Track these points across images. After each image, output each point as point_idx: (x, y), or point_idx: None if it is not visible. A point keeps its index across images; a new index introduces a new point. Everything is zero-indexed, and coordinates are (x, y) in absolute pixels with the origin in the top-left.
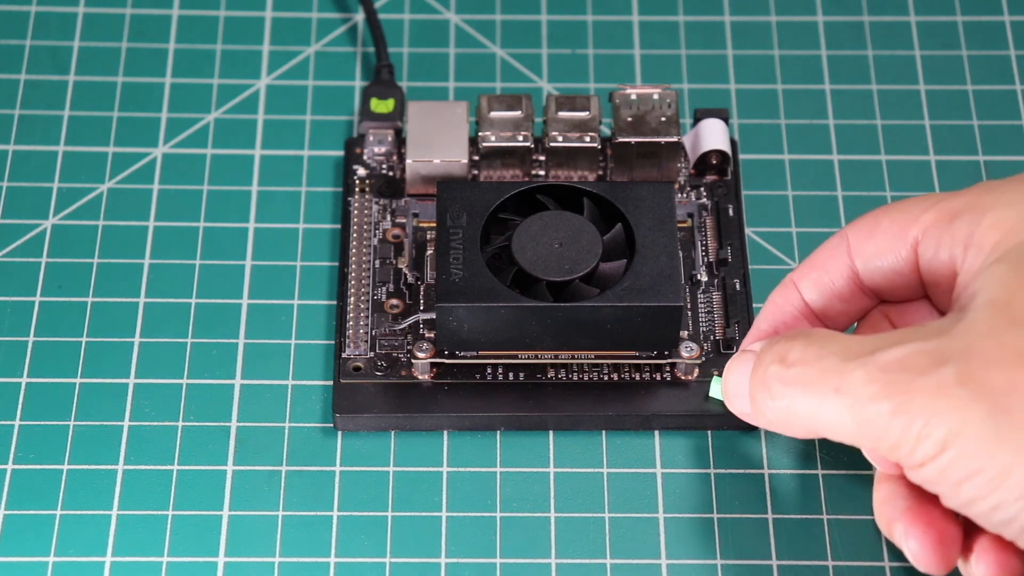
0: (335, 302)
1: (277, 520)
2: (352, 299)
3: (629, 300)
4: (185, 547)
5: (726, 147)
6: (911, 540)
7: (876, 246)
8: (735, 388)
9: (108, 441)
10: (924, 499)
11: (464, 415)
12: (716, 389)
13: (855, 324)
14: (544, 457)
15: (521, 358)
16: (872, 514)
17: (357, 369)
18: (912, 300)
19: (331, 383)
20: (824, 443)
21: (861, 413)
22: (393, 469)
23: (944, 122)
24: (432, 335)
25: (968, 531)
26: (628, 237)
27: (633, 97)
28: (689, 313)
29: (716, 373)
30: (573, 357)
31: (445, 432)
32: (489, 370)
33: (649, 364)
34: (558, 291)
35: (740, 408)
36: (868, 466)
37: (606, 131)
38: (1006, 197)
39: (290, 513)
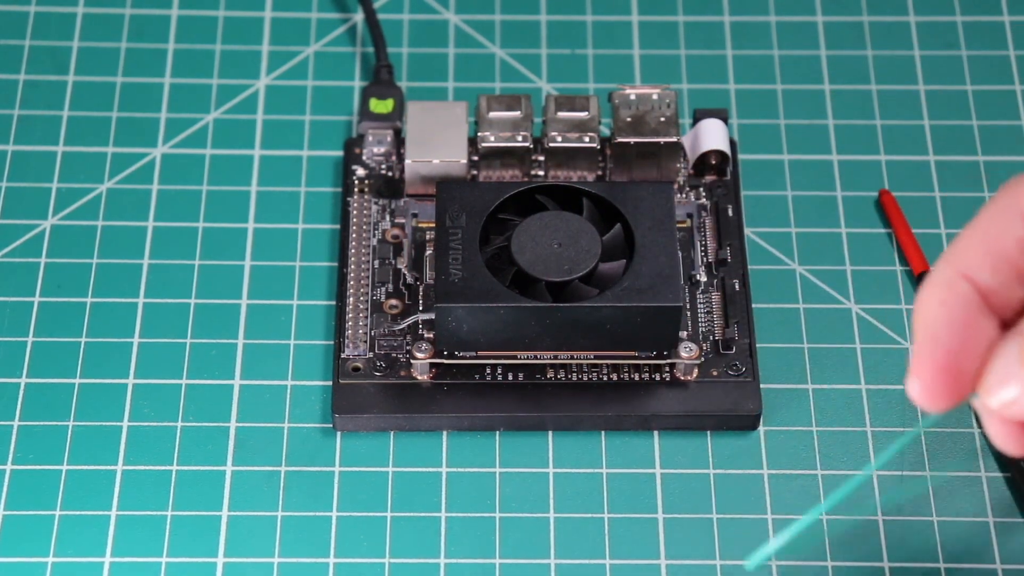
0: (334, 302)
1: (276, 520)
2: (351, 299)
3: (628, 300)
4: (184, 547)
5: (725, 147)
6: None
7: None
8: (1005, 373)
9: (107, 441)
10: None
11: (463, 415)
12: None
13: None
14: (543, 457)
15: (520, 358)
16: (870, 513)
17: (356, 369)
18: None
19: (330, 383)
20: (823, 443)
21: None
22: (392, 469)
23: (944, 122)
24: (431, 335)
25: None
26: (627, 237)
27: (632, 97)
28: (688, 313)
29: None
30: (572, 357)
31: (444, 432)
32: (488, 370)
33: (649, 364)
34: (557, 291)
35: (1006, 397)
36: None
37: (605, 131)
38: None
39: (289, 513)
